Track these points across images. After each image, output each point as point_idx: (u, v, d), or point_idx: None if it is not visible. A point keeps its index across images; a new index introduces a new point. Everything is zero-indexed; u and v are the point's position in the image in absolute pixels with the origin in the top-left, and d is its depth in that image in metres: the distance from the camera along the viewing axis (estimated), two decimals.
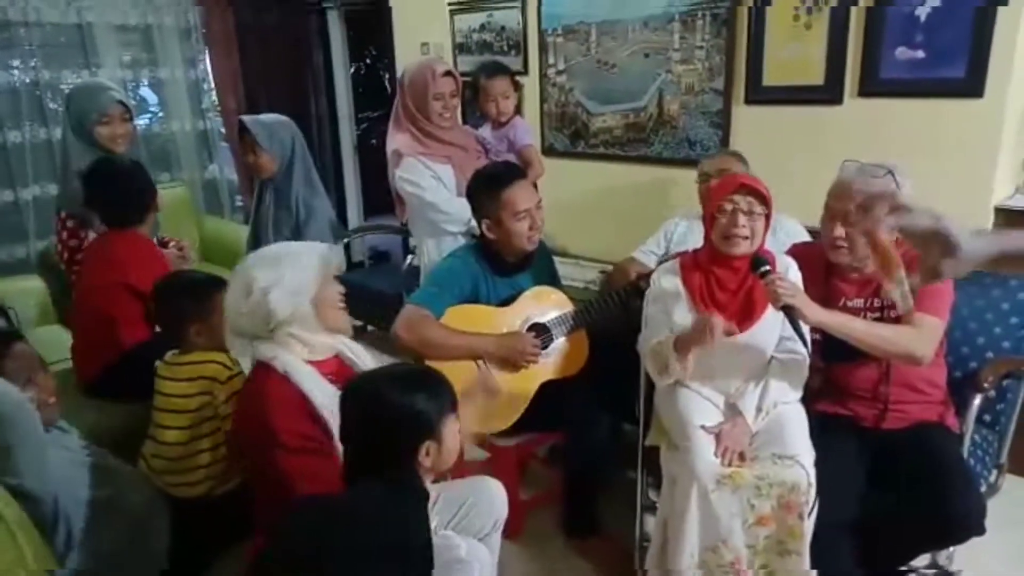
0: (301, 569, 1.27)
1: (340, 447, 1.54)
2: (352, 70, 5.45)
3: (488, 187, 2.20)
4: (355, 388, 1.46)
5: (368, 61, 6.92)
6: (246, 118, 2.54)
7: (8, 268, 3.78)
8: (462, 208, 2.49)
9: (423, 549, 1.36)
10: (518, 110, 3.50)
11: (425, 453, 1.40)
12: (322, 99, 5.07)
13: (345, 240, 3.53)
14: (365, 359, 1.81)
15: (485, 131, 2.86)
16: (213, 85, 4.58)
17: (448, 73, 2.55)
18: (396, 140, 2.61)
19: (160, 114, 4.55)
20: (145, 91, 4.56)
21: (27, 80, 3.84)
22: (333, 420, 1.56)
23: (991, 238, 1.04)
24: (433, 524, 1.72)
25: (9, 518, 1.25)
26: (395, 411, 1.37)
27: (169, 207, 2.96)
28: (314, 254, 1.66)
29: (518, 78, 3.54)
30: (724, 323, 1.73)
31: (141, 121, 4.43)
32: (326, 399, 1.59)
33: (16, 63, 3.83)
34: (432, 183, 2.55)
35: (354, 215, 5.41)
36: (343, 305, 1.70)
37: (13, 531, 1.21)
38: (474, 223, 2.44)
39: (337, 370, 1.71)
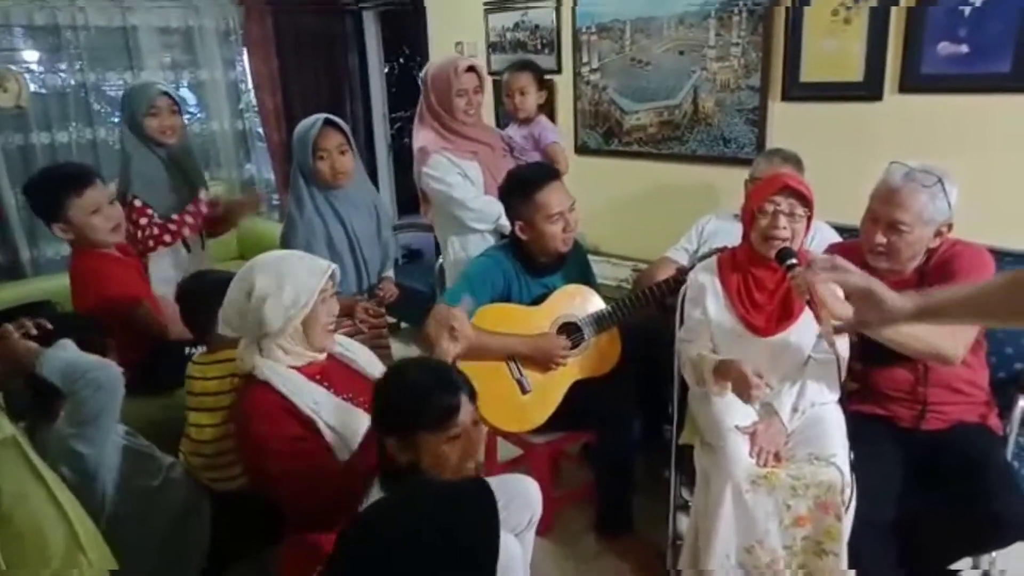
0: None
1: (331, 443, 1.63)
2: (386, 69, 5.50)
3: (521, 189, 2.20)
4: (383, 378, 1.52)
5: (402, 60, 6.96)
6: (333, 118, 2.31)
7: (54, 265, 3.89)
8: (489, 205, 2.50)
9: (491, 546, 1.35)
10: (548, 109, 3.51)
11: (448, 439, 1.43)
12: (357, 99, 5.13)
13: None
14: (359, 353, 1.85)
15: (512, 129, 2.87)
16: (251, 86, 4.66)
17: (471, 69, 2.54)
18: (421, 137, 2.61)
19: (200, 114, 4.65)
20: (185, 92, 4.66)
21: (73, 82, 3.95)
22: (320, 419, 1.63)
23: (913, 296, 1.22)
24: None
25: (66, 506, 1.29)
26: (416, 397, 1.43)
27: None
28: (318, 272, 1.67)
29: (552, 76, 3.55)
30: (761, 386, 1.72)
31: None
32: (311, 400, 1.63)
33: (63, 66, 3.95)
34: (459, 180, 2.54)
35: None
36: (332, 327, 1.73)
37: (71, 521, 1.25)
38: (502, 221, 2.45)
39: (323, 370, 1.74)
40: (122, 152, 2.62)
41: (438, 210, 2.68)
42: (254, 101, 4.71)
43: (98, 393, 1.59)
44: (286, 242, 2.36)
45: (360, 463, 1.60)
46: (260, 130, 4.78)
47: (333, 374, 1.76)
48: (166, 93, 2.57)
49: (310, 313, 1.64)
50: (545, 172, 2.27)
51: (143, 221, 2.54)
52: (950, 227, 1.81)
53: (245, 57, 4.61)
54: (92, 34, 3.96)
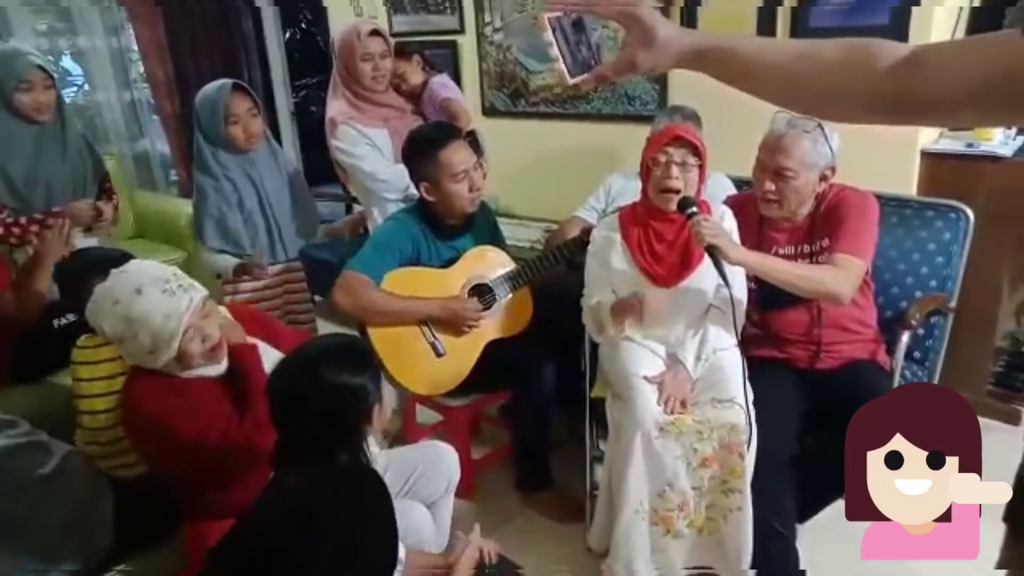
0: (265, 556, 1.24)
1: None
2: (287, 36, 5.28)
3: (423, 149, 2.16)
4: (287, 377, 1.38)
5: (303, 26, 6.70)
6: (240, 82, 2.33)
7: None
8: (398, 175, 2.46)
9: (388, 534, 1.33)
10: (452, 70, 3.46)
11: (376, 414, 1.40)
12: (255, 66, 4.90)
13: None
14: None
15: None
16: (139, 55, 4.39)
17: (375, 32, 2.47)
18: (331, 108, 2.55)
19: (85, 86, 4.35)
20: (68, 62, 4.34)
21: None
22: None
23: (691, 33, 0.94)
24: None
25: None
26: (345, 388, 1.34)
27: None
28: (176, 314, 1.45)
29: (455, 37, 3.50)
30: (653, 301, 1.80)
31: (67, 93, 4.24)
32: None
33: None
34: (367, 151, 2.49)
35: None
36: (212, 349, 1.54)
37: None
38: (412, 191, 2.42)
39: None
40: None
41: (354, 182, 2.63)
42: (143, 70, 4.44)
43: None
44: (198, 212, 2.35)
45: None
46: (152, 101, 4.52)
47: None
48: (40, 66, 2.32)
49: (179, 349, 1.49)
50: (446, 131, 2.23)
51: None
52: (833, 171, 1.90)
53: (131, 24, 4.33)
54: None
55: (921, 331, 2.20)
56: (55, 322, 2.20)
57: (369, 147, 2.50)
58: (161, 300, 1.45)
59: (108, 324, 1.45)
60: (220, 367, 1.59)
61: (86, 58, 4.21)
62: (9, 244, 2.30)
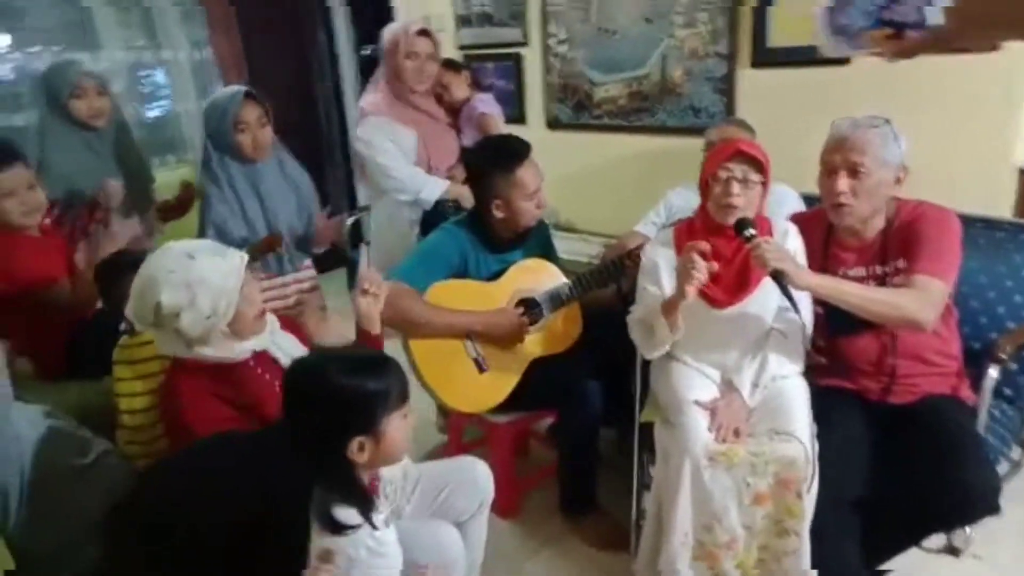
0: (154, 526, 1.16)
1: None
2: (367, 51, 5.38)
3: (502, 165, 2.08)
4: (301, 364, 1.37)
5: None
6: (252, 91, 2.26)
7: None
8: (414, 178, 2.43)
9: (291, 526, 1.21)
10: (516, 83, 3.42)
11: (357, 449, 1.29)
12: (327, 79, 5.02)
13: (355, 218, 3.43)
14: (291, 350, 1.67)
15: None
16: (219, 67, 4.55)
17: (424, 32, 2.46)
18: (365, 99, 2.56)
19: (170, 97, 4.53)
20: (160, 76, 4.52)
21: (36, 65, 3.81)
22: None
23: None
24: (407, 507, 1.67)
25: None
26: (332, 396, 1.27)
27: (174, 187, 2.86)
28: (233, 272, 1.49)
29: (519, 50, 3.46)
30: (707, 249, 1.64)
31: (159, 106, 4.43)
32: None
33: (34, 49, 3.79)
34: (388, 146, 2.46)
35: (363, 193, 5.37)
36: (262, 308, 1.58)
37: None
38: (424, 195, 2.44)
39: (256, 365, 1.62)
40: (40, 143, 2.38)
41: (367, 175, 2.61)
42: (224, 83, 4.60)
43: None
44: (202, 219, 2.28)
45: None
46: None
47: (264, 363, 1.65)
48: (89, 73, 2.43)
49: (236, 312, 1.50)
50: (524, 147, 2.12)
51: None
52: (906, 172, 1.76)
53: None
54: (46, 11, 3.81)
55: (1014, 366, 1.99)
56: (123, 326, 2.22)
57: (391, 143, 2.48)
58: (215, 261, 1.48)
59: (167, 295, 1.42)
60: (261, 338, 1.60)
61: (171, 72, 4.40)
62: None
